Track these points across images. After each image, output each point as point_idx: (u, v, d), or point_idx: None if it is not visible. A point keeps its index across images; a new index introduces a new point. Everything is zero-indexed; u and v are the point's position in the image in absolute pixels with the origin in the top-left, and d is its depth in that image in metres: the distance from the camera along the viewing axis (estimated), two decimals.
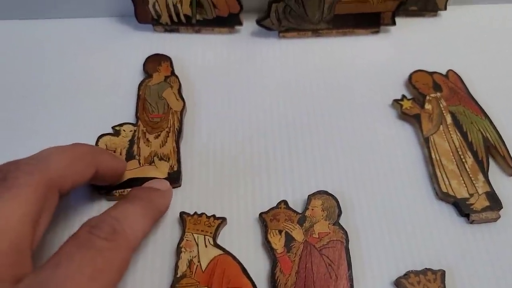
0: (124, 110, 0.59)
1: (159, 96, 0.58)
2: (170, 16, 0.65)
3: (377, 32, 0.68)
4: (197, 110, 0.60)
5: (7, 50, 0.66)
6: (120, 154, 0.54)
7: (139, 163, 0.53)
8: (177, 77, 0.60)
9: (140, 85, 0.59)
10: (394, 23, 0.67)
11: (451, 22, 0.71)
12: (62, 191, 0.42)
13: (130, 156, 0.54)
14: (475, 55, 0.67)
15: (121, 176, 0.52)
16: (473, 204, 0.51)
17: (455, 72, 0.62)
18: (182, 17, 0.65)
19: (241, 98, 0.61)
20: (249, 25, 0.67)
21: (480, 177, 0.53)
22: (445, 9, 0.70)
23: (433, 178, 0.53)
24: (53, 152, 0.43)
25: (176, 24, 0.66)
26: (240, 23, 0.66)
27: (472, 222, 0.51)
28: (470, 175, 0.53)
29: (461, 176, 0.53)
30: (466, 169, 0.54)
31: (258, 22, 0.65)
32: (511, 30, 0.70)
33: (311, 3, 0.63)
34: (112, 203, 0.50)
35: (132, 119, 0.57)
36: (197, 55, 0.66)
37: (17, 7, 0.66)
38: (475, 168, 0.54)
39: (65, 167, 0.42)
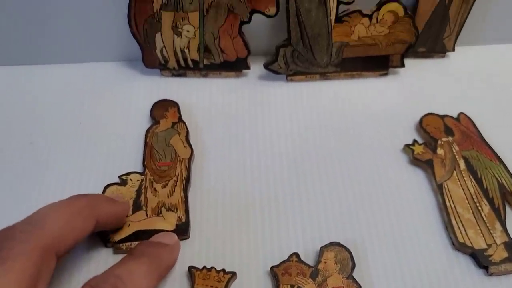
0: (131, 158, 0.58)
1: (167, 143, 0.58)
2: (178, 61, 0.65)
3: (385, 74, 0.67)
4: (205, 156, 0.59)
5: (13, 96, 0.65)
6: None
7: (147, 214, 0.52)
8: (184, 123, 0.60)
9: (147, 132, 0.59)
10: (403, 65, 0.66)
11: (460, 63, 0.70)
12: (60, 253, 0.41)
13: (137, 206, 0.52)
14: (486, 97, 0.66)
15: (123, 219, 0.51)
16: (491, 255, 0.49)
17: (466, 115, 0.61)
18: (190, 62, 0.65)
19: (249, 143, 0.61)
20: (256, 68, 0.67)
21: (498, 226, 0.52)
22: (454, 50, 0.69)
23: (449, 227, 0.52)
24: (49, 212, 0.42)
25: (183, 68, 0.66)
26: (248, 67, 0.66)
27: (491, 275, 0.49)
28: (487, 224, 0.52)
29: (478, 225, 0.52)
30: (482, 217, 0.52)
31: (266, 66, 0.65)
32: None
33: (319, 47, 0.63)
34: (119, 256, 0.49)
35: (139, 167, 0.56)
36: (205, 99, 0.65)
37: (23, 52, 0.67)
38: (492, 217, 0.52)
39: (62, 227, 0.41)
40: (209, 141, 0.61)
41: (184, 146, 0.58)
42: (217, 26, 0.61)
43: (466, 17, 0.65)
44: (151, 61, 0.65)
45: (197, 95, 0.65)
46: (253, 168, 0.58)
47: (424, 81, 0.68)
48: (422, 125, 0.61)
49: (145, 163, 0.56)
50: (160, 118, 0.60)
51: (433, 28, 0.66)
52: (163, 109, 0.61)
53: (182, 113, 0.62)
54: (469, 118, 0.61)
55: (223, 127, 0.62)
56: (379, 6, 0.61)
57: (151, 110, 0.61)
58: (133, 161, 0.57)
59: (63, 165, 0.58)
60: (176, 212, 0.52)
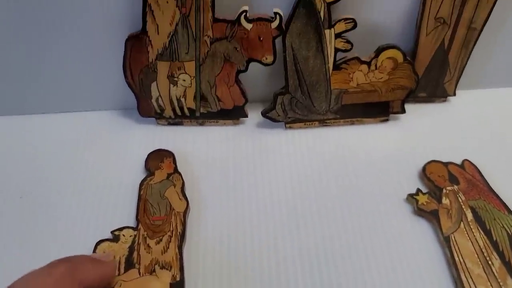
0: (124, 211, 0.56)
1: (161, 196, 0.56)
2: (174, 110, 0.64)
3: (386, 120, 0.66)
4: (202, 208, 0.57)
5: (5, 147, 0.64)
6: (119, 262, 0.50)
7: (139, 272, 0.49)
8: (180, 174, 0.58)
9: (141, 184, 0.57)
10: (403, 111, 0.65)
11: (461, 107, 0.69)
12: None
13: (129, 264, 0.50)
14: (491, 142, 0.64)
15: (111, 280, 0.48)
16: None
17: (471, 163, 0.60)
18: (186, 111, 0.64)
19: (248, 192, 0.59)
20: (254, 115, 0.66)
21: (510, 281, 0.49)
22: (455, 94, 0.68)
23: (458, 284, 0.49)
24: (27, 285, 0.39)
25: (179, 117, 0.64)
26: (245, 115, 0.65)
27: None
28: (499, 280, 0.49)
29: (489, 281, 0.49)
30: (493, 272, 0.49)
31: (264, 114, 0.64)
32: None
33: (317, 94, 0.62)
34: None
35: (132, 222, 0.54)
36: (201, 148, 0.63)
37: (15, 102, 0.66)
38: (503, 271, 0.50)
39: None
40: (206, 191, 0.59)
41: (180, 199, 0.56)
42: (213, 75, 0.60)
43: (466, 62, 0.65)
44: (147, 110, 0.64)
45: (193, 144, 0.64)
46: (252, 218, 0.56)
47: (425, 126, 0.66)
48: (425, 172, 0.59)
49: (139, 217, 0.54)
50: (155, 169, 0.59)
51: (433, 73, 0.65)
52: (158, 159, 0.60)
53: (178, 163, 0.60)
54: (474, 165, 0.59)
55: (220, 176, 0.60)
56: (377, 53, 0.60)
57: (146, 161, 0.60)
58: (126, 215, 0.55)
59: (53, 220, 0.56)
60: (170, 270, 0.49)
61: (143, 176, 0.58)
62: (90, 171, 0.61)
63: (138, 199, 0.56)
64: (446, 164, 0.60)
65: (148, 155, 0.60)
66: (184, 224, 0.53)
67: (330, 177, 0.60)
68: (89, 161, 0.62)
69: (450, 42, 0.62)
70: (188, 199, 0.56)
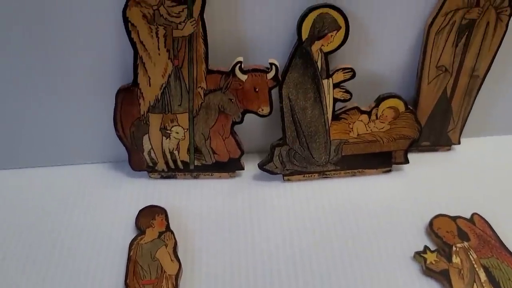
0: (113, 275, 0.52)
1: (152, 257, 0.52)
2: (167, 163, 0.61)
3: (389, 171, 0.63)
4: (195, 270, 0.53)
5: None
6: None
7: None
8: (172, 232, 0.54)
9: (131, 244, 0.53)
10: (407, 161, 0.62)
11: (467, 156, 0.66)
12: None
13: None
14: (500, 193, 0.61)
15: None
16: None
17: (481, 217, 0.56)
18: (180, 164, 0.61)
19: (244, 249, 0.55)
20: (251, 167, 0.63)
21: None
22: (459, 143, 0.66)
23: None
24: None
25: (173, 170, 0.62)
26: (242, 168, 0.62)
27: None
28: None
29: None
30: None
31: (261, 166, 0.61)
32: None
33: (316, 145, 0.60)
34: None
35: (121, 286, 0.51)
36: (196, 202, 0.60)
37: (2, 155, 0.63)
38: None
39: None
40: (199, 249, 0.55)
41: (171, 260, 0.52)
42: (207, 127, 0.58)
43: (470, 110, 0.63)
44: (139, 163, 0.61)
45: (187, 198, 0.61)
46: (249, 278, 0.52)
47: (431, 177, 0.63)
48: (432, 228, 0.55)
49: (127, 281, 0.50)
50: (146, 227, 0.55)
51: (436, 121, 0.63)
52: (150, 216, 0.56)
53: (171, 219, 0.57)
54: (484, 219, 0.56)
55: (215, 232, 0.57)
56: (378, 102, 0.58)
57: (137, 218, 0.56)
58: (114, 278, 0.51)
59: (35, 286, 0.52)
60: None
61: (133, 234, 0.55)
62: (78, 230, 0.57)
63: (128, 261, 0.52)
64: (454, 218, 0.56)
65: (139, 212, 0.57)
66: None
67: (331, 232, 0.57)
68: (78, 219, 0.58)
69: (452, 90, 0.61)
70: (181, 259, 0.52)
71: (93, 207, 0.60)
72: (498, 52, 0.57)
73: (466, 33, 0.56)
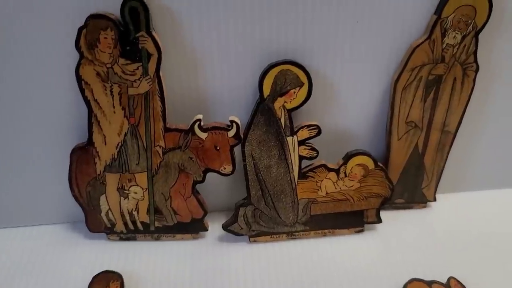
0: None
1: None
2: (126, 224, 0.58)
3: (361, 231, 0.60)
4: None
5: None
6: None
7: None
8: None
9: None
10: (380, 220, 0.59)
11: (443, 213, 0.63)
12: None
13: None
14: (477, 252, 0.58)
15: None
16: None
17: (457, 281, 0.52)
18: (139, 225, 0.58)
19: None
20: (215, 227, 0.59)
21: None
22: (435, 199, 0.63)
23: None
24: None
25: (132, 232, 0.58)
26: (205, 229, 0.59)
27: None
28: None
29: None
30: None
31: (225, 228, 0.58)
32: (507, 216, 0.63)
33: (283, 205, 0.57)
34: None
35: None
36: (156, 266, 0.56)
37: None
38: None
39: None
40: None
41: None
42: (167, 186, 0.55)
43: (444, 166, 0.60)
44: (96, 224, 0.58)
45: (147, 262, 0.57)
46: None
47: (405, 237, 0.60)
48: None
49: None
50: None
51: (409, 178, 0.61)
52: (104, 283, 0.52)
53: (129, 284, 0.53)
54: (461, 284, 0.52)
55: None
56: (346, 160, 0.55)
57: (90, 284, 0.52)
58: None
59: None
60: None
61: None
62: None
63: None
64: (429, 283, 0.53)
65: (92, 278, 0.53)
66: None
67: None
68: (27, 287, 0.54)
69: (424, 145, 0.58)
70: None
71: (45, 274, 0.56)
72: (467, 107, 0.56)
73: (434, 89, 0.55)
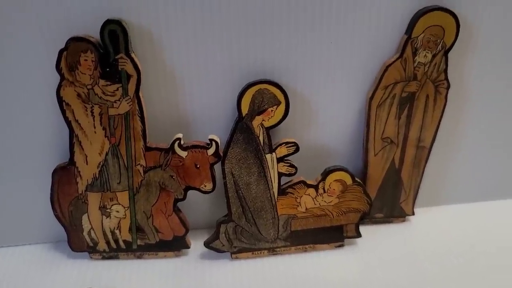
0: None
1: None
2: (108, 243, 0.58)
3: (341, 245, 0.61)
4: None
5: None
6: None
7: None
8: None
9: None
10: (359, 235, 0.60)
11: (422, 227, 0.64)
12: None
13: None
14: (456, 268, 0.58)
15: None
16: None
17: None
18: (122, 243, 0.58)
19: None
20: (198, 245, 0.60)
21: None
22: (413, 213, 0.64)
23: None
24: None
25: (115, 250, 0.59)
26: (187, 246, 0.59)
27: None
28: None
29: None
30: None
31: (207, 245, 0.58)
32: (484, 227, 0.64)
33: (263, 221, 0.57)
34: None
35: None
36: (139, 285, 0.56)
37: None
38: None
39: None
40: None
41: None
42: (149, 205, 0.56)
43: (421, 180, 0.62)
44: (78, 244, 0.58)
45: (129, 280, 0.57)
46: None
47: (385, 251, 0.61)
48: None
49: None
50: None
51: (387, 193, 0.62)
52: None
53: None
54: None
55: None
56: (324, 176, 0.56)
57: None
58: None
59: None
60: None
61: None
62: None
63: None
64: None
65: None
66: None
67: None
68: None
69: (400, 161, 0.60)
70: None
71: None
72: (441, 123, 0.58)
73: (408, 106, 0.56)
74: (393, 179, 0.61)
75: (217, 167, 0.55)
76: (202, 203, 0.60)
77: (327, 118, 0.58)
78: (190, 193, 0.56)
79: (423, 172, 0.61)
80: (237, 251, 0.59)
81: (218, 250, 0.59)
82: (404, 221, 0.65)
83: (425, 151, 0.59)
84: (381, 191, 0.62)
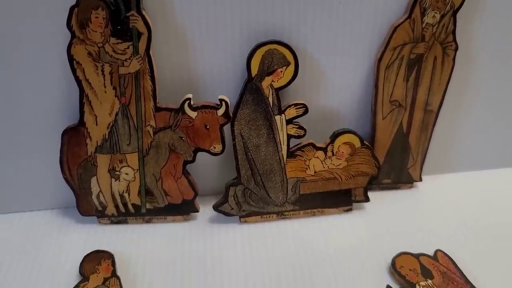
0: None
1: None
2: (117, 207, 0.58)
3: (350, 210, 0.61)
4: None
5: None
6: None
7: None
8: (118, 278, 0.51)
9: None
10: (367, 199, 0.60)
11: (429, 193, 0.65)
12: None
13: None
14: (463, 229, 0.59)
15: None
16: None
17: (444, 253, 0.54)
18: (130, 207, 0.58)
19: None
20: (206, 209, 0.60)
21: None
22: (421, 179, 0.65)
23: None
24: None
25: (123, 214, 0.59)
26: (196, 210, 0.59)
27: None
28: None
29: None
30: None
31: (216, 208, 0.59)
32: (492, 195, 0.65)
33: (272, 184, 0.58)
34: None
35: None
36: (148, 249, 0.57)
37: None
38: None
39: None
40: None
41: None
42: (158, 167, 0.56)
43: (428, 145, 0.62)
44: (87, 208, 0.58)
45: (138, 244, 0.57)
46: None
47: (393, 215, 0.61)
48: (395, 267, 0.53)
49: None
50: (91, 273, 0.52)
51: (395, 158, 0.62)
52: (95, 262, 0.53)
53: (120, 265, 0.53)
54: (447, 255, 0.54)
55: (168, 280, 0.53)
56: (333, 138, 0.57)
57: (81, 264, 0.53)
58: None
59: None
60: None
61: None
62: (18, 285, 0.53)
63: None
64: (417, 256, 0.54)
65: (84, 257, 0.53)
66: None
67: (290, 275, 0.54)
68: (17, 272, 0.54)
69: (408, 125, 0.60)
70: None
71: (36, 258, 0.56)
72: (448, 86, 0.58)
73: (416, 68, 0.56)
74: (401, 144, 0.61)
75: (226, 130, 0.56)
76: (211, 169, 0.61)
77: (336, 80, 0.58)
78: (199, 158, 0.56)
79: (430, 137, 0.61)
80: (245, 214, 0.59)
81: (227, 214, 0.59)
82: (411, 187, 0.65)
83: (433, 115, 0.60)
84: (389, 156, 0.62)
